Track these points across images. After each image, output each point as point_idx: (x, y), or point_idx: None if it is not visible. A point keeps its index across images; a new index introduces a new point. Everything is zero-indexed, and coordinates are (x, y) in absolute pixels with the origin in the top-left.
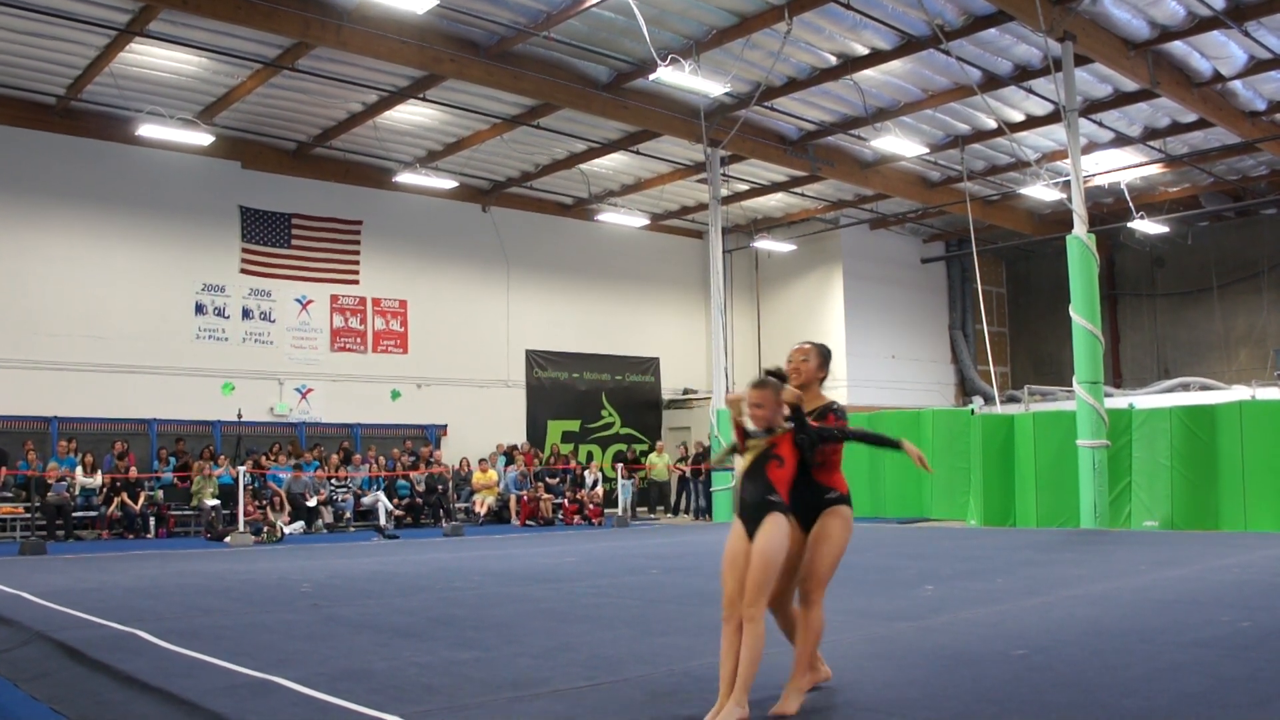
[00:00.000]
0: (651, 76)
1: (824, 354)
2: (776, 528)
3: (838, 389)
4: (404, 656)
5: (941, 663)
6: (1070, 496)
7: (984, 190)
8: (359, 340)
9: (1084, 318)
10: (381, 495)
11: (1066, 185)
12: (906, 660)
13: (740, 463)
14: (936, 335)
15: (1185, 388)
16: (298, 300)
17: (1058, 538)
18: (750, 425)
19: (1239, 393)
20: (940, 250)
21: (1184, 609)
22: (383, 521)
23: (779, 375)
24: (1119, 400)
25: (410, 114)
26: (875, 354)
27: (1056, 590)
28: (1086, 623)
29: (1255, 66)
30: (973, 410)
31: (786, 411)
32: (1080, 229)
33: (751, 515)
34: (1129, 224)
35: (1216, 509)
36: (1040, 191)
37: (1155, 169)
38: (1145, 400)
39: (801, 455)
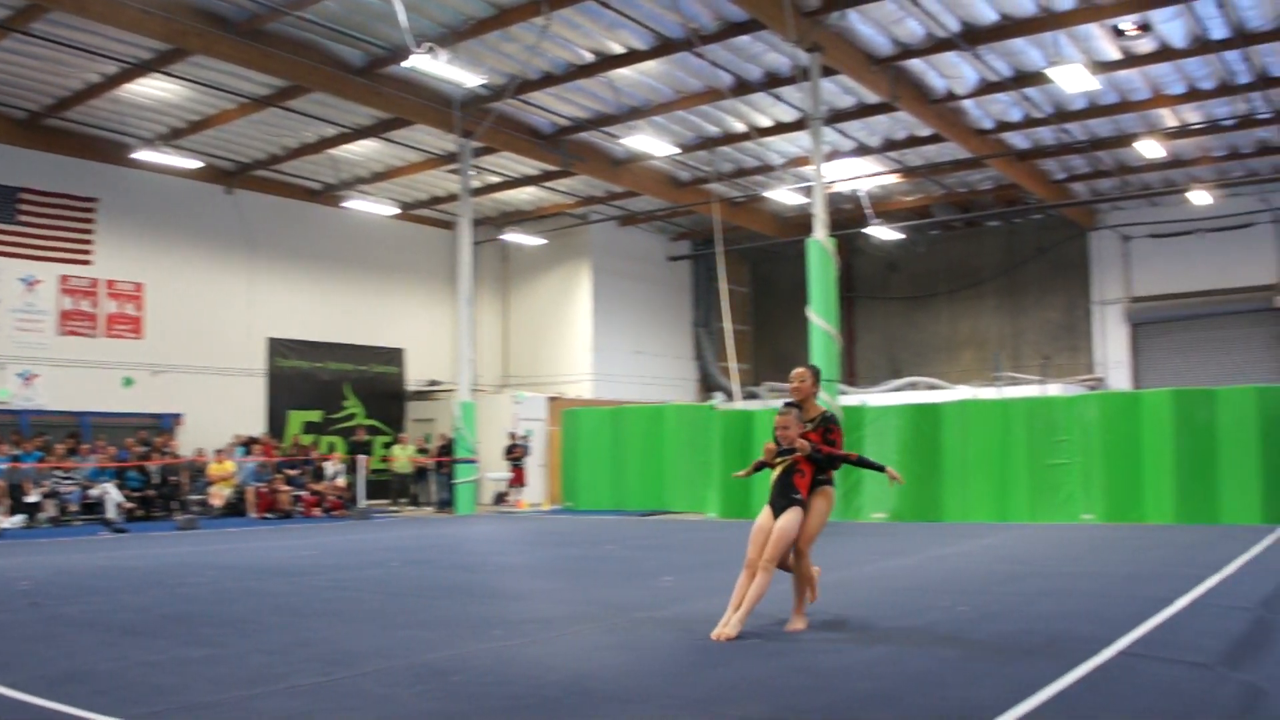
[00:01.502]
0: (406, 64)
1: (816, 373)
2: (794, 515)
3: (582, 382)
4: (131, 656)
5: (681, 651)
6: None
7: (731, 192)
8: (90, 323)
9: (821, 318)
10: (111, 487)
11: (809, 190)
12: (646, 650)
13: (774, 472)
14: (681, 332)
15: (914, 387)
16: (23, 280)
17: None
18: (780, 445)
19: (962, 392)
20: (687, 249)
21: (909, 595)
22: (111, 515)
23: (796, 405)
24: (853, 398)
25: (153, 88)
26: (620, 349)
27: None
28: (819, 611)
29: (985, 87)
30: (714, 406)
31: (805, 443)
32: (820, 233)
33: (780, 505)
34: (866, 229)
35: (940, 501)
36: (784, 195)
37: (893, 178)
38: (877, 398)
39: (816, 467)
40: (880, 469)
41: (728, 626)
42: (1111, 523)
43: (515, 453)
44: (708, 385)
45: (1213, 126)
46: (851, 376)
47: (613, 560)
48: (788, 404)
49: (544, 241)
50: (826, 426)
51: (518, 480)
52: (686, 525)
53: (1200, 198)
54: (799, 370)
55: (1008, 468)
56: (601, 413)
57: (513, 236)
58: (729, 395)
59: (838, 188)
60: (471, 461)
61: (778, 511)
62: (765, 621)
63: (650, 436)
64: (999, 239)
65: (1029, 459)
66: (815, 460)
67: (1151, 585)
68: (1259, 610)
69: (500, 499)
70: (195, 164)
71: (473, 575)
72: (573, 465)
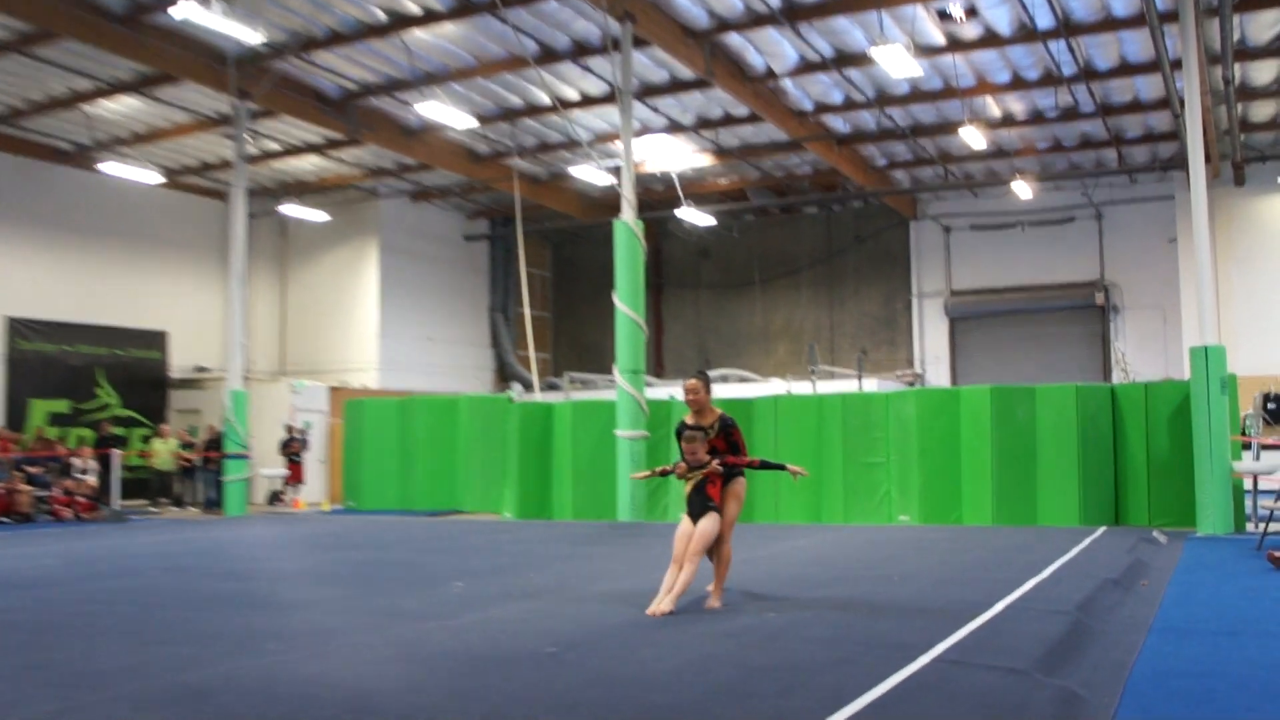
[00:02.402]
0: (174, 11)
1: (707, 381)
2: (712, 519)
3: (368, 371)
4: None
5: (470, 664)
6: (608, 488)
7: (533, 168)
8: None
9: (628, 305)
10: None
11: (617, 169)
12: (434, 662)
13: (688, 485)
14: (476, 317)
15: (725, 380)
16: None
17: (593, 531)
18: (689, 462)
19: (776, 386)
20: (484, 228)
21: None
22: None
23: (699, 428)
24: (660, 390)
25: None
26: (410, 335)
27: (590, 585)
28: (620, 618)
29: (805, 67)
30: (511, 397)
31: (716, 466)
32: (628, 214)
33: (698, 512)
34: (677, 212)
35: (751, 502)
36: (590, 173)
37: (706, 159)
38: None
39: (725, 477)
40: (781, 468)
41: (662, 603)
42: (929, 524)
43: (292, 447)
44: (505, 375)
45: (1037, 118)
46: (659, 368)
47: (399, 565)
48: (691, 427)
49: (327, 217)
50: (728, 431)
51: (295, 477)
52: (480, 526)
53: (1023, 190)
54: (691, 382)
55: (822, 466)
56: (388, 404)
57: (292, 210)
58: (528, 386)
59: (648, 167)
60: (243, 457)
61: (696, 517)
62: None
63: (441, 430)
64: (816, 227)
65: (844, 457)
66: (723, 475)
67: (968, 589)
68: (1075, 614)
69: (275, 498)
70: None
71: (243, 583)
72: (356, 461)
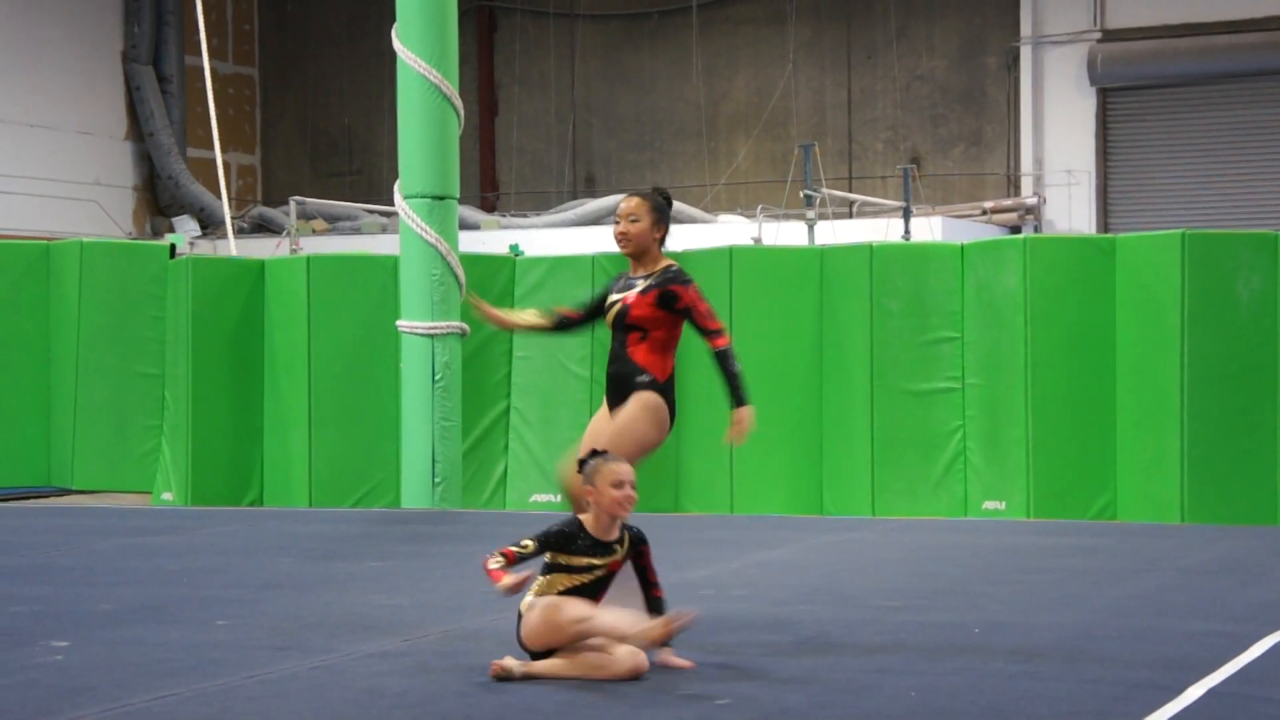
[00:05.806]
0: None
1: (657, 204)
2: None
3: None
4: None
5: None
6: (384, 440)
7: None
8: None
9: (421, 56)
10: None
11: None
12: None
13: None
14: (98, 75)
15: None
16: None
17: (353, 529)
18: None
19: (730, 228)
20: None
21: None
22: None
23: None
24: (492, 237)
25: None
26: None
27: (337, 638)
28: None
29: None
30: (174, 247)
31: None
32: None
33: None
34: None
35: (679, 468)
36: None
37: None
38: (545, 238)
39: None
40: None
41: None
42: (1044, 518)
43: None
44: (160, 201)
45: None
46: (492, 186)
47: None
48: (618, 290)
49: None
50: (666, 297)
51: None
52: (108, 523)
53: None
54: (628, 203)
55: (823, 399)
56: None
57: None
58: (209, 223)
59: None
60: None
61: None
62: None
63: (21, 315)
64: None
65: (873, 380)
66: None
67: (1134, 657)
68: None
69: None
70: None
71: None
72: None
